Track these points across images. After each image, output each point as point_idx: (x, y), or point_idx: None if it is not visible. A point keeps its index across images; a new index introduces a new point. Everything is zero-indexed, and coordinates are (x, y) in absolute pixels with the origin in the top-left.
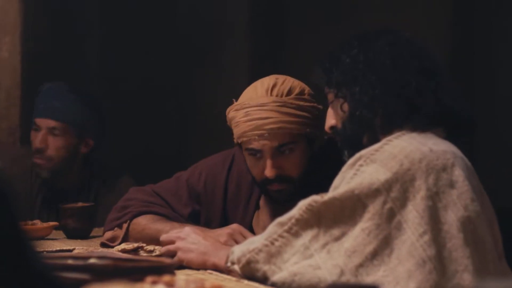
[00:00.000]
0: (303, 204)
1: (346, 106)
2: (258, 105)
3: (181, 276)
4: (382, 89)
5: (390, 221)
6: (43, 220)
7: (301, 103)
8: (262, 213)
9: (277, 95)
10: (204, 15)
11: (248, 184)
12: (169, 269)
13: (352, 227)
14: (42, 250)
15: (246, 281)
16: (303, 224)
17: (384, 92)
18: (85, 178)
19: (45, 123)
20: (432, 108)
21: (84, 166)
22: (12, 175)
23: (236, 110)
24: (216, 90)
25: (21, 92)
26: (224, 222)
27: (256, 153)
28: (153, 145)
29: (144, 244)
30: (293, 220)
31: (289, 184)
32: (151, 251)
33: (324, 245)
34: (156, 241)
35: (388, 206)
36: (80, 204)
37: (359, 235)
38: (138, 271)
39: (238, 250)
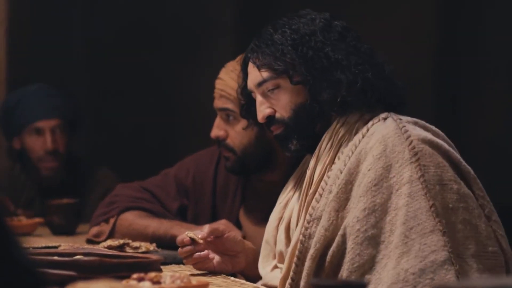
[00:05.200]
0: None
1: (304, 92)
2: (225, 67)
3: (167, 272)
4: (352, 72)
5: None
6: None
7: None
8: (249, 206)
9: (237, 62)
10: (190, 12)
11: (235, 178)
12: (155, 266)
13: None
14: (28, 246)
15: (232, 278)
16: None
17: (354, 75)
18: (68, 173)
19: (47, 124)
20: (386, 88)
21: (67, 162)
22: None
23: None
24: (201, 86)
25: (6, 86)
26: (213, 216)
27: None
28: (139, 140)
29: (130, 241)
30: None
31: (232, 154)
32: (137, 248)
33: None
34: (143, 237)
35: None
36: (65, 200)
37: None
38: (124, 267)
39: None
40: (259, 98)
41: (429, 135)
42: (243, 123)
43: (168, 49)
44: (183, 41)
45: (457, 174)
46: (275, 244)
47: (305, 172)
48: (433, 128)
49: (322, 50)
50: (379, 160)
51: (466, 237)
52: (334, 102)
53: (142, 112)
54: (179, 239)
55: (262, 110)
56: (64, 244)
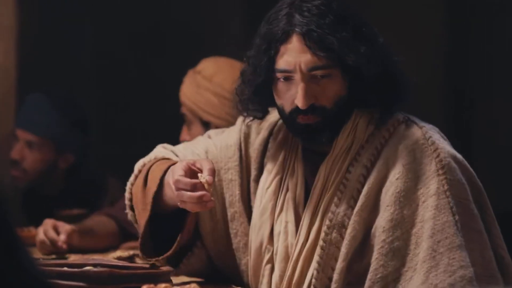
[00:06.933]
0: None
1: (346, 85)
2: None
3: (177, 283)
4: (388, 64)
5: None
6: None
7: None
8: None
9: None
10: (199, 20)
11: None
12: (165, 277)
13: None
14: (37, 257)
15: None
16: None
17: (390, 67)
18: (69, 188)
19: (23, 135)
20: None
21: (68, 179)
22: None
23: None
24: None
25: (16, 98)
26: None
27: None
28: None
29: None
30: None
31: None
32: None
33: None
34: None
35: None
36: (75, 211)
37: None
38: (134, 278)
39: None
40: (302, 84)
41: (451, 149)
42: (196, 125)
43: (176, 57)
44: (191, 49)
45: (471, 189)
46: (269, 236)
47: (290, 155)
48: (445, 136)
49: (382, 44)
50: (408, 171)
51: (475, 259)
52: (386, 98)
53: (150, 121)
54: (188, 181)
55: (309, 98)
56: (74, 255)
